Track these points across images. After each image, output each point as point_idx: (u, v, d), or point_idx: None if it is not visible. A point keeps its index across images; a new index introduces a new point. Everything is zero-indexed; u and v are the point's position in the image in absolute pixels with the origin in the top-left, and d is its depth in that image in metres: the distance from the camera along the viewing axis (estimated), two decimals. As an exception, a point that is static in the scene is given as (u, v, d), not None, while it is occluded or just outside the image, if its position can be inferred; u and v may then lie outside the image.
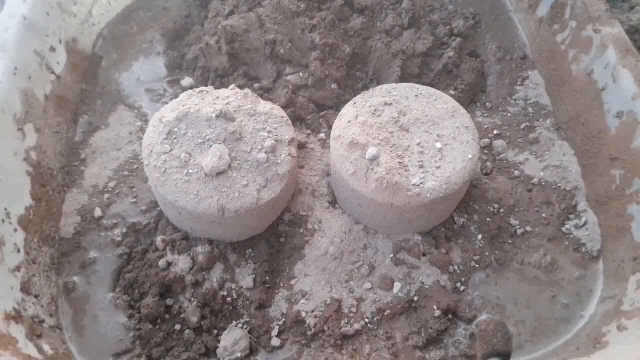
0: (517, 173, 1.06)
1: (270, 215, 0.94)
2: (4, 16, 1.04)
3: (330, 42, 1.15)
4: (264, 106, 0.98)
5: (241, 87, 1.05)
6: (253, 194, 0.86)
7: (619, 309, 0.84)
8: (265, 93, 1.16)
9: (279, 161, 0.90)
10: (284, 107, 1.09)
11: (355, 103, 0.98)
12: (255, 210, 0.87)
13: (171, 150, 0.89)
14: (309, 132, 1.12)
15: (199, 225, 0.90)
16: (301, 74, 1.16)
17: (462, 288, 0.91)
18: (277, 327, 0.88)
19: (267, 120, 0.94)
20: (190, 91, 1.00)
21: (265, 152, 0.90)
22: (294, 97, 1.14)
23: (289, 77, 1.16)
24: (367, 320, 0.88)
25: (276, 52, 1.16)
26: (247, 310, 0.90)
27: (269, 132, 0.93)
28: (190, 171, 0.87)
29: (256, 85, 1.17)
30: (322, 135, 1.12)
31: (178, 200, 0.86)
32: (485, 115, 1.16)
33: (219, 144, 0.88)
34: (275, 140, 0.92)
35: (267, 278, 0.92)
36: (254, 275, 0.92)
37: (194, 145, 0.89)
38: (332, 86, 1.16)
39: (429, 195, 0.85)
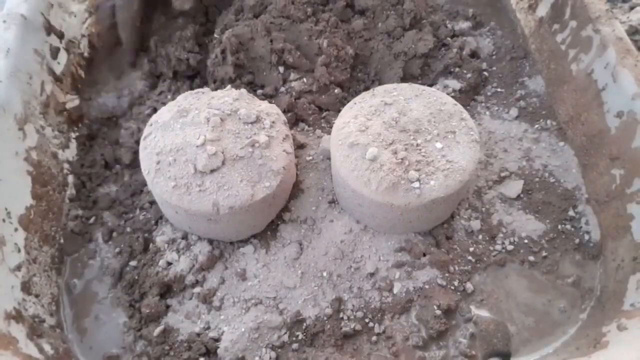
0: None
1: (267, 213, 0.94)
2: (4, 16, 1.05)
3: (337, 45, 1.14)
4: (259, 105, 0.98)
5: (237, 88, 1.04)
6: (247, 189, 0.86)
7: (619, 308, 0.84)
8: (268, 99, 1.14)
9: (274, 157, 0.90)
10: (285, 112, 1.09)
11: (355, 103, 0.98)
12: (250, 207, 0.87)
13: (166, 149, 0.89)
14: (310, 132, 1.12)
15: (196, 224, 0.90)
16: (304, 79, 1.16)
17: (462, 288, 0.91)
18: (277, 327, 0.88)
19: (262, 118, 0.94)
20: (186, 92, 1.00)
21: (260, 149, 0.90)
22: (296, 101, 1.13)
23: (292, 84, 1.16)
24: (367, 320, 0.88)
25: (283, 59, 1.15)
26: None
27: (263, 128, 0.93)
28: (185, 169, 0.87)
29: (259, 91, 1.16)
30: (323, 135, 1.12)
31: (172, 198, 0.86)
32: (486, 114, 1.16)
33: (213, 141, 0.89)
34: (269, 137, 0.92)
35: (268, 278, 0.92)
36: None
37: (189, 144, 0.89)
38: (336, 91, 1.15)
39: (429, 195, 0.85)
